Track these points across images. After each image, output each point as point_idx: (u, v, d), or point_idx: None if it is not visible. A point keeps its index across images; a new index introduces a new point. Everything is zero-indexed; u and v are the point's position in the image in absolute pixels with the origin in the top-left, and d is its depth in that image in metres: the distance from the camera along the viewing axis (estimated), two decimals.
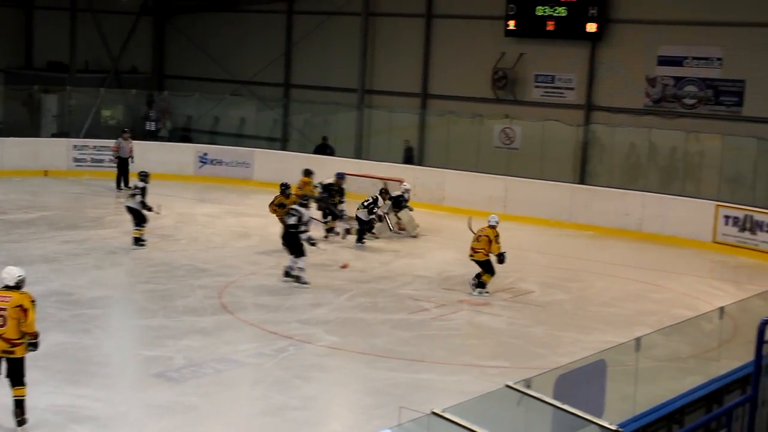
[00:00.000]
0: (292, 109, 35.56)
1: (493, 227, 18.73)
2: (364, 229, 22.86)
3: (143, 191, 21.14)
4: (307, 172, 24.04)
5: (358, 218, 22.81)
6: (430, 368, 14.45)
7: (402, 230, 24.39)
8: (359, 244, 22.59)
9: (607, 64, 29.55)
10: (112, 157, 29.07)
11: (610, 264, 22.15)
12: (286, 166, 29.44)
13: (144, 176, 21.44)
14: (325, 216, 23.36)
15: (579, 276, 20.94)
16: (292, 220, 18.77)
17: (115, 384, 13.35)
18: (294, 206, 19.18)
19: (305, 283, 18.55)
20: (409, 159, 31.84)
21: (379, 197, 23.22)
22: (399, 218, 24.40)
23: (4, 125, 33.39)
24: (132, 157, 28.61)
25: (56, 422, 11.60)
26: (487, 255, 18.61)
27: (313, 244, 18.87)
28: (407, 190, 24.50)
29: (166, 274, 19.18)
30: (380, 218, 23.19)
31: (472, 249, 18.78)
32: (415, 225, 24.59)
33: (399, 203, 24.22)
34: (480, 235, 18.75)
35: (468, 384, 13.48)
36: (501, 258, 18.56)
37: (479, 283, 18.81)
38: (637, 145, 28.87)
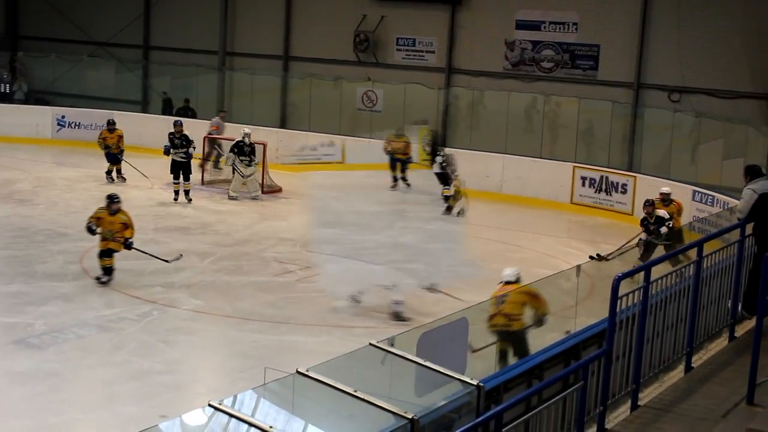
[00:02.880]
0: (152, 72, 34.97)
1: None
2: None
3: None
4: (109, 123, 24.52)
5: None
6: (296, 330, 14.55)
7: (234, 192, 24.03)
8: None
9: (467, 28, 29.88)
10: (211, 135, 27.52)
11: (472, 225, 22.50)
12: (146, 129, 29.02)
13: None
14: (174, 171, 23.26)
15: None
16: None
17: None
18: None
19: None
20: (167, 110, 31.82)
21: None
22: (243, 174, 24.04)
23: None
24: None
25: None
26: None
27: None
28: (246, 135, 24.20)
29: (25, 240, 18.79)
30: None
31: None
32: (257, 185, 24.28)
33: (243, 151, 23.99)
34: None
35: (334, 345, 13.61)
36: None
37: None
38: (497, 108, 29.30)
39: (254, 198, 23.89)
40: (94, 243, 18.57)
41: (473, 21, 29.74)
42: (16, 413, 11.22)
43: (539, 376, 9.20)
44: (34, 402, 11.53)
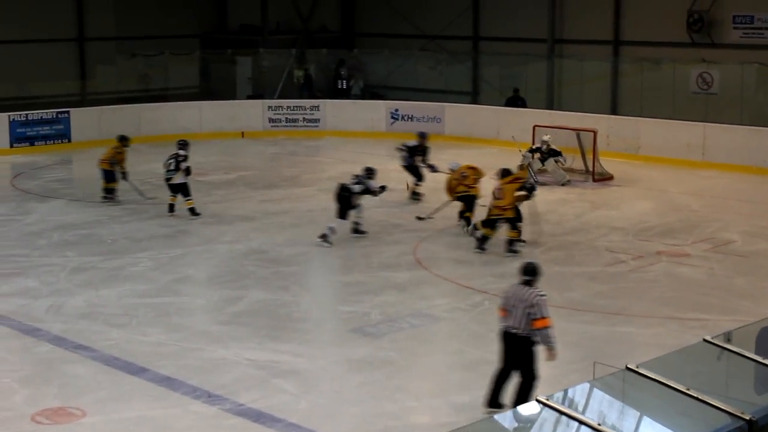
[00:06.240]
0: (481, 62, 35.24)
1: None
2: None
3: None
4: (122, 139, 22.08)
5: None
6: (628, 321, 14.27)
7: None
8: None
9: None
10: None
11: None
12: (477, 120, 29.33)
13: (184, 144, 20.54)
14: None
15: None
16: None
17: (315, 339, 13.77)
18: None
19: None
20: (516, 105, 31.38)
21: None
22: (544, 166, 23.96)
23: (201, 89, 34.48)
24: None
25: (259, 377, 11.92)
26: None
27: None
28: (544, 142, 23.84)
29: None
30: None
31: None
32: (562, 173, 24.04)
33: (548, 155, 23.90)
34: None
35: (666, 337, 13.30)
36: None
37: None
38: None
39: (563, 185, 23.73)
40: (427, 233, 18.97)
41: None
42: (355, 399, 11.59)
43: None
44: (371, 388, 11.87)
